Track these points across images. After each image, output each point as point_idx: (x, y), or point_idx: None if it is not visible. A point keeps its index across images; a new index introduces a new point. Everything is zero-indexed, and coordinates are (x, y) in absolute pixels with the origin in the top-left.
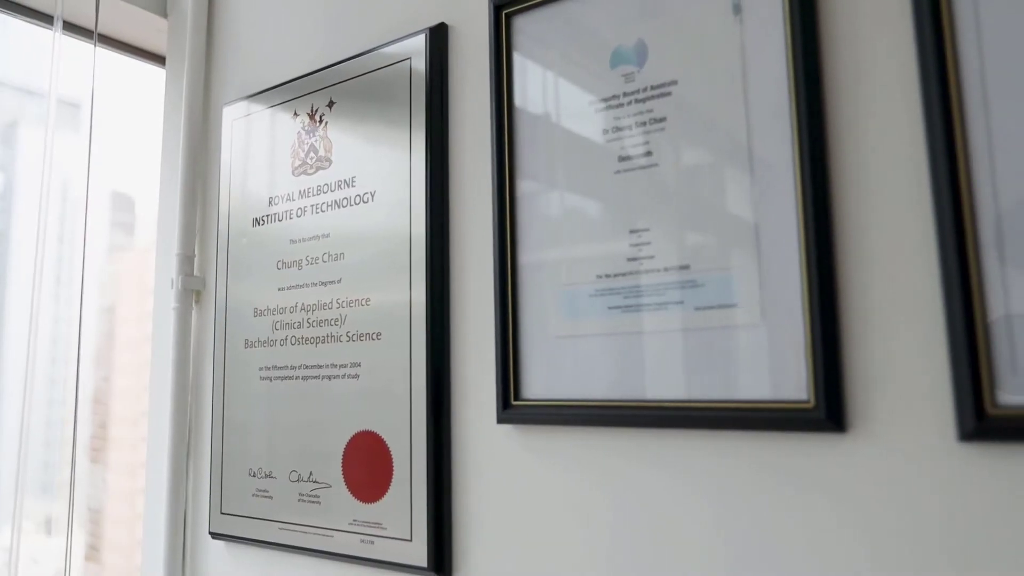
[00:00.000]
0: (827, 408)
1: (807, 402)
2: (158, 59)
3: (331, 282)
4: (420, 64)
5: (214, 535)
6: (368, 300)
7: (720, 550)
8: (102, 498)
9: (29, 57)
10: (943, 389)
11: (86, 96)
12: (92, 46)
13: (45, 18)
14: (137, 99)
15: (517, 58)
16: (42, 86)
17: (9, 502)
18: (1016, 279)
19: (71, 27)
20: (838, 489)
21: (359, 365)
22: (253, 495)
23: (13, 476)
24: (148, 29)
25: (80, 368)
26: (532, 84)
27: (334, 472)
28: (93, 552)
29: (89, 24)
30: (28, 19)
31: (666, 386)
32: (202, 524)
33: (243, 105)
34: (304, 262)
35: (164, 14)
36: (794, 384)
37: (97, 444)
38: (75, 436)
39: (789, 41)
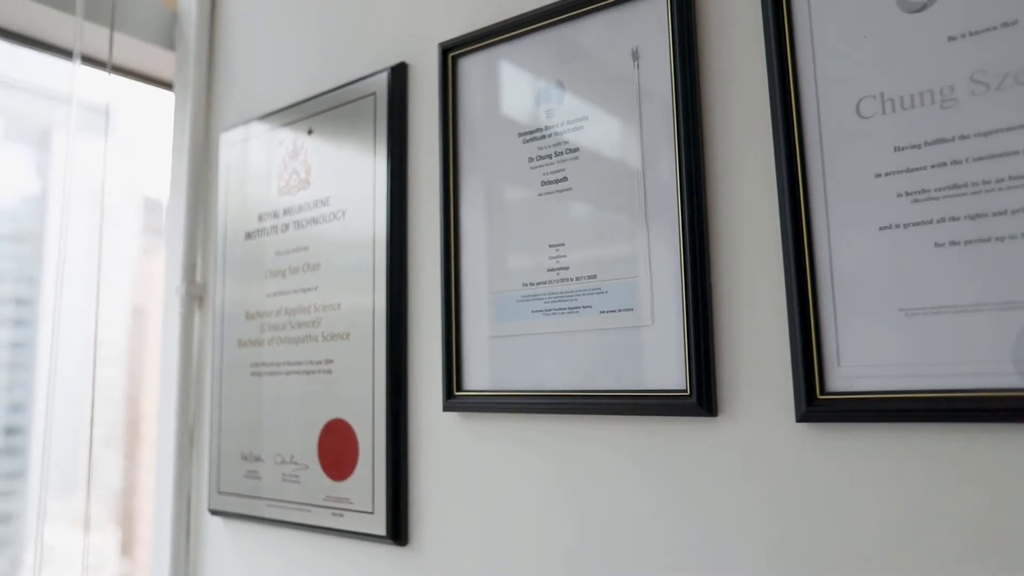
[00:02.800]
0: (699, 396)
1: (685, 391)
2: (168, 85)
3: (309, 289)
4: (384, 97)
5: (212, 512)
6: (340, 305)
7: (619, 509)
8: (134, 495)
9: (60, 64)
10: (788, 380)
11: (117, 104)
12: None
13: (65, 53)
14: (163, 111)
15: (461, 94)
16: (76, 91)
17: (52, 502)
18: (843, 304)
19: (88, 59)
20: (711, 462)
21: (332, 362)
22: (244, 476)
23: (49, 475)
24: (158, 60)
25: (103, 369)
26: (473, 117)
27: (311, 455)
28: (127, 548)
29: (105, 56)
30: (49, 54)
31: (576, 378)
32: (203, 502)
33: (238, 132)
34: (287, 271)
35: (172, 48)
36: (676, 376)
37: (130, 441)
38: (91, 435)
39: (675, 81)
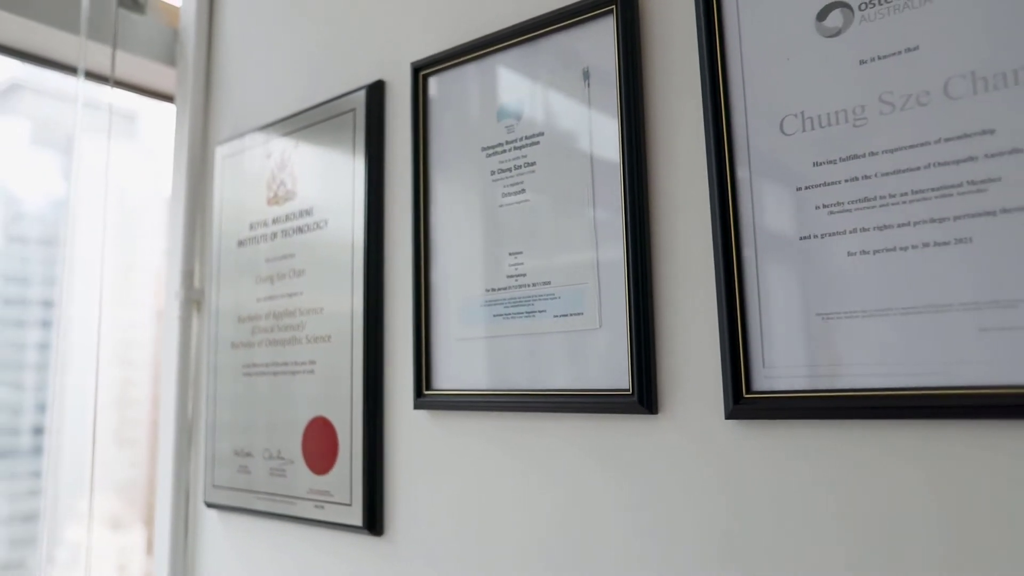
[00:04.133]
0: (640, 395)
1: (628, 390)
2: (172, 99)
3: (295, 294)
4: (362, 113)
5: (208, 504)
6: (322, 309)
7: (575, 498)
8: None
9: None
10: (718, 380)
11: (140, 108)
12: (111, 87)
13: (70, 69)
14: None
15: (432, 110)
16: (98, 97)
17: (80, 501)
18: (768, 310)
19: (92, 75)
20: (652, 456)
21: (315, 363)
22: (237, 470)
23: (59, 474)
24: (161, 76)
25: (128, 370)
26: (442, 132)
27: (296, 450)
28: (152, 546)
29: (108, 72)
30: (54, 70)
31: (534, 378)
32: (200, 495)
33: (232, 144)
34: (275, 277)
35: (173, 64)
36: (620, 376)
37: (154, 442)
38: (95, 432)
39: (620, 99)
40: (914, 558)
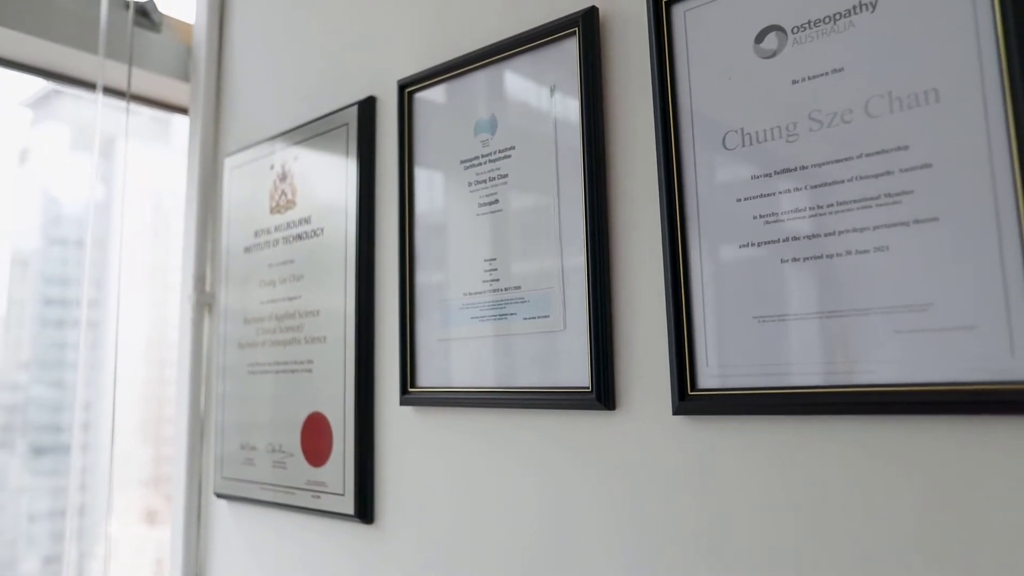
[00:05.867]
0: (597, 392)
1: (588, 388)
2: (186, 111)
3: (295, 297)
4: (354, 127)
5: (218, 495)
6: (318, 311)
7: (545, 487)
8: None
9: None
10: (667, 380)
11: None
12: (128, 101)
13: (89, 86)
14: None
15: (416, 125)
16: (128, 105)
17: (116, 496)
18: (711, 313)
19: (110, 91)
20: (610, 449)
21: (312, 362)
22: (243, 463)
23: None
24: (177, 91)
25: (167, 369)
26: (425, 145)
27: (295, 444)
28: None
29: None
30: (73, 87)
31: (505, 376)
32: (211, 486)
33: (238, 157)
34: (277, 281)
35: (187, 79)
36: (581, 375)
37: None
38: (113, 429)
39: (583, 115)
40: (842, 540)
